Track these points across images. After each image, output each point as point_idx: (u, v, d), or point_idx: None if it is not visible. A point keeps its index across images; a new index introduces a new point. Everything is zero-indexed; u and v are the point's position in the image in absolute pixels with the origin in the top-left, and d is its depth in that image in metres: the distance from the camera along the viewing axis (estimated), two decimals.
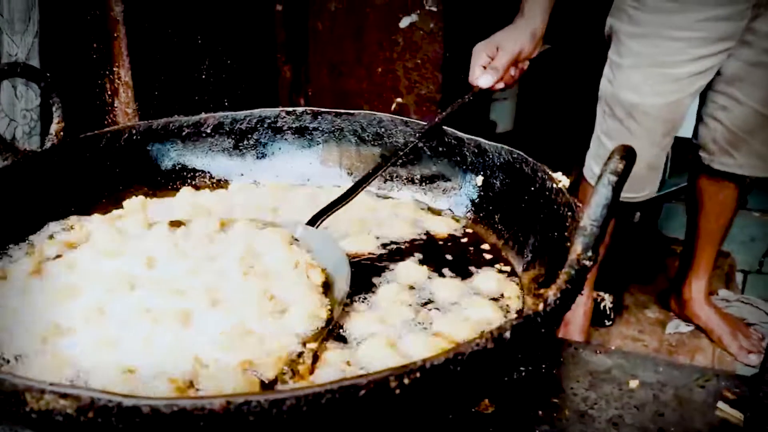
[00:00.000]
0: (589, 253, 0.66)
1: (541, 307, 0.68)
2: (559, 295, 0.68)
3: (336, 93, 2.16)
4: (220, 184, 1.31)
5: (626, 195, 2.05)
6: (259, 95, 2.03)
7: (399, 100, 2.09)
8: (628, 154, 0.72)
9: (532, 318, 0.68)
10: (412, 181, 1.30)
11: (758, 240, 3.10)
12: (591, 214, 0.66)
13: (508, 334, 0.66)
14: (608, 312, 2.41)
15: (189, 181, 1.30)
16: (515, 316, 0.91)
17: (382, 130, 1.32)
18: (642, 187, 2.04)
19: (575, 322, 2.21)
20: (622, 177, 0.70)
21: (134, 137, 1.26)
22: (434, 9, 2.00)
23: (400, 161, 1.27)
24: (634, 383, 1.05)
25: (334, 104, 2.18)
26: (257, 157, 1.36)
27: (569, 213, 0.92)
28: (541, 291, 0.77)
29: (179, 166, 1.30)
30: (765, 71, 1.82)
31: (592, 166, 2.04)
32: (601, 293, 2.41)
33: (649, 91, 1.84)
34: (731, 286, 2.68)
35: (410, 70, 2.05)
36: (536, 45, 1.38)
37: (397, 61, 2.05)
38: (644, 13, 1.77)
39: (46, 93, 1.16)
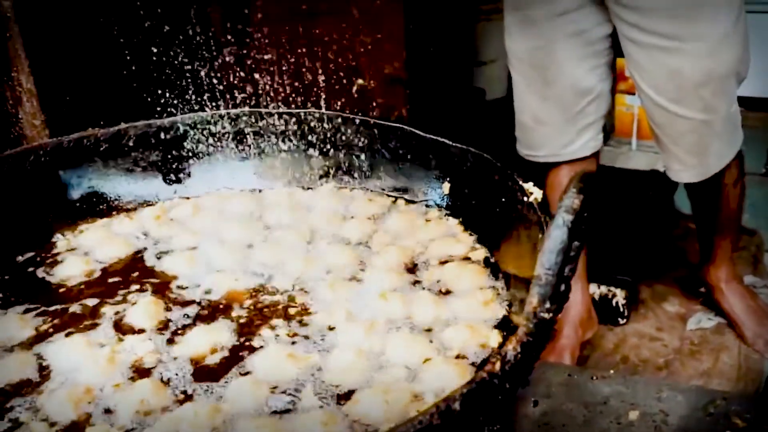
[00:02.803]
0: (547, 305, 0.63)
1: (497, 366, 0.65)
2: (518, 350, 0.65)
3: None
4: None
5: (524, 152, 2.09)
6: (195, 83, 1.97)
7: (360, 81, 2.04)
8: (585, 186, 0.68)
9: (487, 381, 0.64)
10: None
11: None
12: (545, 261, 0.63)
13: (457, 405, 0.63)
14: (622, 309, 2.39)
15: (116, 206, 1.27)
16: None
17: (333, 129, 1.29)
18: (536, 143, 2.05)
19: (568, 333, 2.18)
20: (580, 215, 0.66)
21: (42, 159, 1.22)
22: None
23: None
24: (634, 414, 1.04)
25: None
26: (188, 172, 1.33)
27: (540, 235, 0.89)
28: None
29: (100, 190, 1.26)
30: (643, 50, 1.81)
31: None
32: (612, 288, 2.38)
33: (516, 34, 1.95)
34: (759, 270, 2.66)
35: (370, 46, 2.00)
36: None
37: (355, 38, 2.00)
38: None
39: None
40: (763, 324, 2.24)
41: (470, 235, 1.13)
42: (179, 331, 0.94)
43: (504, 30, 1.99)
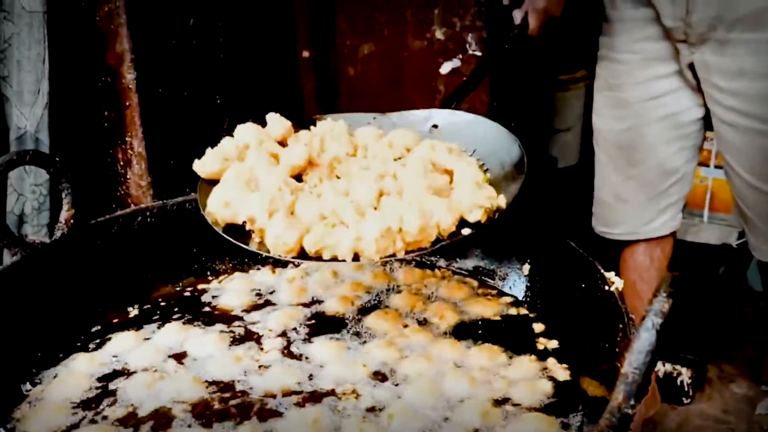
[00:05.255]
0: (632, 402, 0.70)
1: None
2: None
3: None
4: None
5: (601, 229, 2.11)
6: None
7: None
8: (675, 290, 0.75)
9: None
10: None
11: None
12: (633, 361, 0.70)
13: None
14: (686, 388, 2.38)
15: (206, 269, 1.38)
16: None
17: None
18: (614, 220, 2.07)
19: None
20: (669, 318, 0.73)
21: (148, 219, 1.34)
22: (478, 53, 2.06)
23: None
24: None
25: None
26: None
27: (620, 324, 0.96)
28: None
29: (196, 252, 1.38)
30: (741, 134, 1.82)
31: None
32: (678, 367, 2.38)
33: (606, 114, 1.99)
34: None
35: None
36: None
37: None
38: (601, 35, 1.97)
39: (55, 178, 1.25)
40: None
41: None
42: None
43: (593, 109, 2.04)
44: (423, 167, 1.15)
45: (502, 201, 1.13)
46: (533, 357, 1.10)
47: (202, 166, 1.21)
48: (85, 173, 1.68)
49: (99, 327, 1.21)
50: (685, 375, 2.38)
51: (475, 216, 1.10)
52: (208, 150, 1.22)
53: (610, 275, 1.06)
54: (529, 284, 1.28)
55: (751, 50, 1.73)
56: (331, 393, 1.03)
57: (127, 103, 1.64)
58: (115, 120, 1.69)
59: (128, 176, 1.70)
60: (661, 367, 2.38)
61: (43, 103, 1.55)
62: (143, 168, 1.66)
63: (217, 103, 1.82)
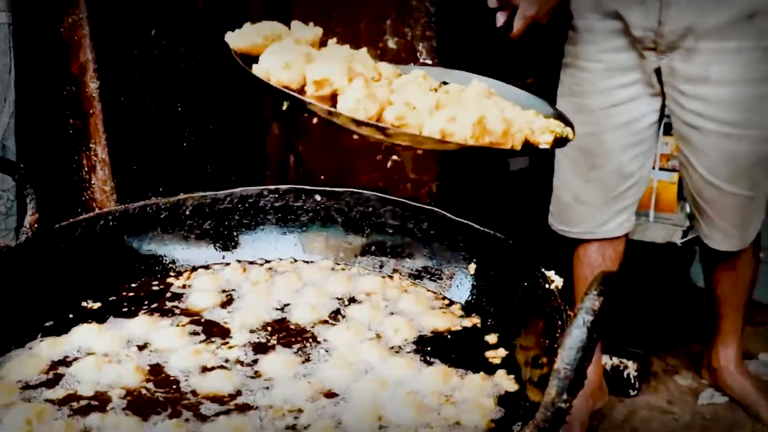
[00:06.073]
0: (564, 396, 0.76)
1: None
2: None
3: (328, 149, 2.27)
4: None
5: (558, 227, 2.21)
6: (245, 156, 2.16)
7: (395, 157, 2.20)
8: (606, 288, 0.81)
9: None
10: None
11: None
12: (565, 357, 0.75)
13: None
14: (633, 381, 2.48)
15: (167, 269, 1.41)
16: None
17: (370, 209, 1.43)
18: (573, 220, 2.17)
19: (579, 403, 2.28)
20: (600, 315, 0.79)
21: (110, 223, 1.38)
22: (429, 62, 2.12)
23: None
24: None
25: (327, 162, 2.29)
26: (236, 241, 1.46)
27: (559, 321, 1.03)
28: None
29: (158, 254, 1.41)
30: (702, 135, 1.95)
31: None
32: (624, 360, 2.48)
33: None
34: None
35: None
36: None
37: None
38: (567, 44, 2.06)
39: (20, 184, 1.28)
40: None
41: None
42: None
43: None
44: (485, 93, 1.18)
45: (569, 132, 1.18)
46: (483, 374, 1.09)
47: (237, 38, 1.17)
48: (52, 179, 1.72)
49: (63, 322, 1.23)
50: (631, 368, 2.48)
51: (546, 138, 1.14)
52: (247, 24, 1.19)
53: (551, 274, 1.10)
54: (475, 283, 1.32)
55: (717, 59, 1.86)
56: (267, 407, 1.01)
57: (91, 111, 1.68)
58: (79, 127, 1.73)
59: (93, 181, 1.74)
60: (609, 361, 2.48)
61: (10, 111, 1.59)
62: (107, 173, 1.70)
63: (178, 110, 1.87)
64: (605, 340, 2.37)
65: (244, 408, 1.01)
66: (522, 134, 1.12)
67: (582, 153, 2.07)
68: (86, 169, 1.74)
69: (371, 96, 1.04)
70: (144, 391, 1.04)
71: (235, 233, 1.47)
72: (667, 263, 3.08)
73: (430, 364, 1.12)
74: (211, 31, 2.00)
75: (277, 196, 1.48)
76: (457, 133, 1.05)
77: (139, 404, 1.02)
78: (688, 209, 3.51)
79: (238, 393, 1.04)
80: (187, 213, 1.43)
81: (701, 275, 2.49)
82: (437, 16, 2.18)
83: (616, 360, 2.49)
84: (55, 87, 1.71)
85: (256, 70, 1.14)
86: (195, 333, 1.20)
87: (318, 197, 1.48)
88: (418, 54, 2.13)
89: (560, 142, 1.18)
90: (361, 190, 1.46)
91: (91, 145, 1.71)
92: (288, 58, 1.11)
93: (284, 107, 1.15)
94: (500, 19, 1.73)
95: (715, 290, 2.34)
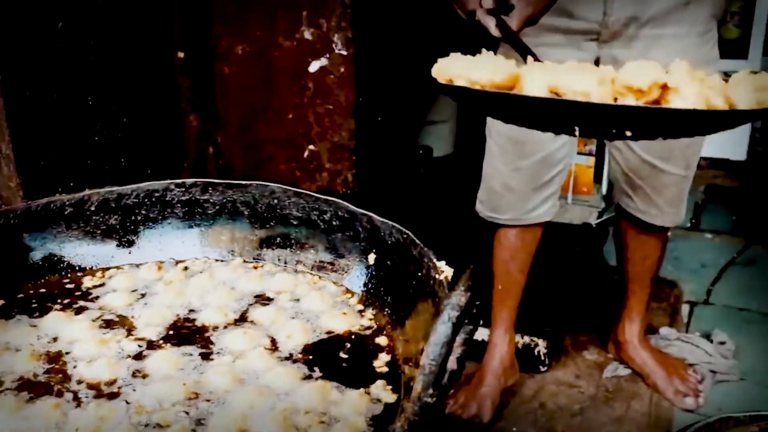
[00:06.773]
0: (430, 391, 0.81)
1: None
2: (405, 428, 0.83)
3: (246, 141, 2.30)
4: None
5: (487, 213, 2.26)
6: (163, 149, 2.15)
7: (311, 147, 2.24)
8: (473, 284, 0.87)
9: None
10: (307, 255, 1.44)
11: (709, 266, 3.28)
12: (430, 353, 0.80)
13: None
14: (543, 357, 2.58)
15: (73, 267, 1.41)
16: None
17: (275, 201, 1.45)
18: (501, 207, 2.23)
19: (490, 381, 2.38)
20: (466, 310, 0.85)
21: (11, 221, 1.36)
22: (344, 53, 2.16)
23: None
24: None
25: (244, 153, 2.31)
26: (142, 236, 1.47)
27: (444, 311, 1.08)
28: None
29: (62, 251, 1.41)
30: None
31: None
32: (535, 338, 2.58)
33: None
34: (676, 321, 2.88)
35: (322, 116, 2.20)
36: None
37: (308, 107, 2.19)
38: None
39: None
40: (672, 375, 2.46)
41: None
42: None
43: None
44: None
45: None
46: (362, 391, 1.07)
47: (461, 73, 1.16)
48: None
49: None
50: (541, 345, 2.57)
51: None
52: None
53: (441, 264, 1.13)
54: (374, 273, 1.34)
55: (655, 44, 1.93)
56: (136, 402, 1.03)
57: None
58: None
59: None
60: (520, 340, 2.57)
61: None
62: (12, 170, 1.68)
63: (89, 105, 1.85)
64: (520, 320, 2.45)
65: (114, 397, 1.04)
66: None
67: (512, 142, 2.13)
68: None
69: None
70: (34, 377, 1.07)
71: (140, 228, 1.47)
72: (581, 243, 3.21)
73: (311, 377, 1.10)
74: (125, 24, 1.99)
75: (183, 189, 1.48)
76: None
77: (28, 387, 1.05)
78: (604, 191, 3.68)
79: (114, 383, 1.07)
80: (93, 209, 1.43)
81: (614, 255, 2.62)
82: (352, 7, 2.22)
83: (527, 338, 2.58)
84: None
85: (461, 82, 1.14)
86: (102, 327, 1.21)
87: (224, 190, 1.49)
88: (334, 45, 2.17)
89: None
90: (267, 183, 1.48)
91: None
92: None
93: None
94: (494, 30, 1.72)
95: (626, 267, 2.46)
